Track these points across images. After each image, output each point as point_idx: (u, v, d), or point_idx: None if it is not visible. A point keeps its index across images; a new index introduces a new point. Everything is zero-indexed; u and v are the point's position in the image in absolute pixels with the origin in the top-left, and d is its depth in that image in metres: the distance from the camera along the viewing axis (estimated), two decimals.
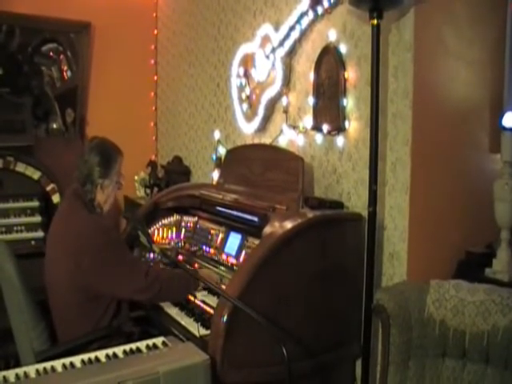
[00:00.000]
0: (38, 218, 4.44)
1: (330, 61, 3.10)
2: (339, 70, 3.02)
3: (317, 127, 3.21)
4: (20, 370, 2.05)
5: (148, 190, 5.14)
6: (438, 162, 2.75)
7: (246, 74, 3.89)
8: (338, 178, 3.12)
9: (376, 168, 2.56)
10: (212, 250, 3.19)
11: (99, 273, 2.51)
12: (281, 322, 2.41)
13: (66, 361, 2.14)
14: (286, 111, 3.50)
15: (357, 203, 2.97)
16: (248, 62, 3.86)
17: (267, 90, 3.61)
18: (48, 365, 2.10)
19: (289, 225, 2.56)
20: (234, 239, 3.06)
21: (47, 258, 2.69)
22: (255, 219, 2.91)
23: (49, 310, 2.65)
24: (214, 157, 4.23)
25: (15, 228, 4.36)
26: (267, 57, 3.59)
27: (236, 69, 4.01)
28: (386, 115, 2.78)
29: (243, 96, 3.94)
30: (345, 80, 3.02)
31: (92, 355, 2.19)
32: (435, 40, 2.72)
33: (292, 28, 3.38)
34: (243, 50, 3.94)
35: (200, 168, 4.85)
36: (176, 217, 3.67)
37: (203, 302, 2.76)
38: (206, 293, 2.84)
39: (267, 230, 2.60)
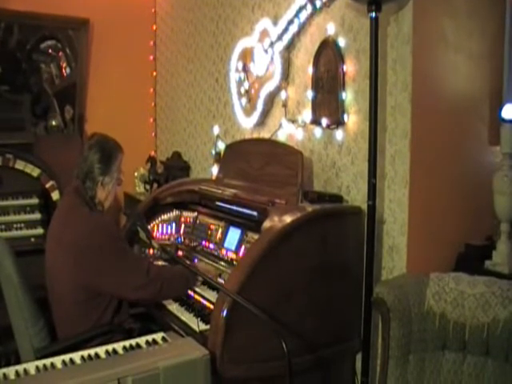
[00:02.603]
0: (37, 216, 4.43)
1: (328, 54, 3.10)
2: (338, 63, 3.01)
3: (316, 121, 3.21)
4: (20, 367, 2.06)
5: (147, 186, 5.14)
6: (437, 155, 2.75)
7: (245, 69, 3.88)
8: (337, 171, 3.11)
9: (375, 161, 2.55)
10: (212, 245, 3.19)
11: (100, 271, 2.50)
12: (280, 317, 2.41)
13: (66, 357, 2.15)
14: (284, 105, 3.49)
15: (356, 197, 2.97)
16: (247, 56, 3.85)
17: (266, 84, 3.61)
18: (48, 361, 2.11)
19: (288, 219, 2.56)
20: (234, 234, 3.05)
21: (47, 255, 2.69)
22: (254, 214, 2.91)
23: (48, 308, 2.65)
24: (214, 152, 4.22)
25: (15, 225, 4.35)
26: (266, 51, 3.58)
27: (235, 63, 4.00)
28: (385, 108, 2.77)
29: (242, 91, 3.93)
30: (343, 73, 3.01)
31: (92, 351, 2.20)
32: (434, 32, 2.71)
33: (290, 22, 3.37)
34: (242, 44, 3.93)
35: (199, 163, 4.84)
36: (175, 212, 3.67)
37: (203, 297, 2.77)
38: (205, 287, 2.84)
39: (266, 224, 2.60)
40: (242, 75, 3.92)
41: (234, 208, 3.11)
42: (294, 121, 3.42)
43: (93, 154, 2.66)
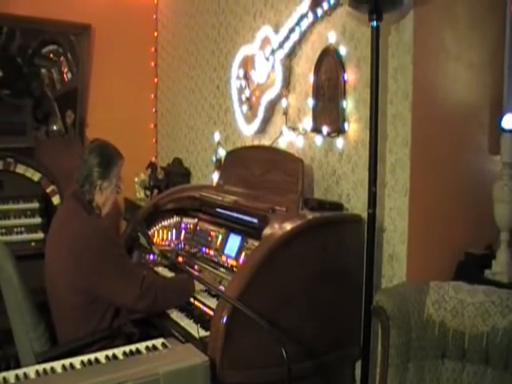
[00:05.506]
0: (37, 220, 4.43)
1: (329, 63, 3.11)
2: (339, 71, 3.03)
3: (316, 129, 3.22)
4: (20, 371, 2.06)
5: (148, 192, 5.14)
6: (437, 164, 2.76)
7: (246, 76, 3.90)
8: (337, 179, 3.12)
9: (375, 170, 2.56)
10: (212, 252, 3.20)
11: (98, 273, 2.50)
12: (280, 324, 2.42)
13: (66, 362, 2.15)
14: (285, 113, 3.51)
15: (356, 205, 2.97)
16: (248, 63, 3.87)
17: (267, 91, 3.62)
18: (48, 366, 2.12)
19: (288, 226, 2.56)
20: (234, 241, 3.06)
21: (47, 259, 2.69)
22: (255, 221, 2.92)
23: (49, 311, 2.65)
24: (214, 158, 4.24)
25: (15, 229, 4.36)
26: (267, 59, 3.60)
27: (236, 71, 4.01)
28: (386, 117, 2.78)
29: (243, 98, 3.94)
30: (344, 82, 3.02)
31: (92, 356, 2.20)
32: (435, 42, 2.73)
33: (292, 30, 3.38)
34: (243, 51, 3.94)
35: (200, 170, 4.85)
36: (176, 218, 3.68)
37: (203, 303, 2.76)
38: (205, 294, 2.84)
39: (267, 231, 2.61)
40: (243, 82, 3.93)
41: (235, 215, 3.12)
42: (294, 128, 3.43)
43: (92, 158, 2.67)
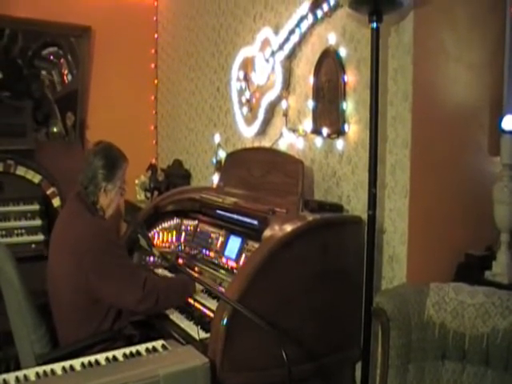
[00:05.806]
0: (38, 222, 4.43)
1: (329, 64, 3.11)
2: (339, 73, 3.03)
3: (316, 130, 3.22)
4: (20, 373, 2.06)
5: (148, 194, 5.14)
6: (437, 165, 2.75)
7: (246, 78, 3.90)
8: (337, 181, 3.12)
9: (375, 171, 2.56)
10: (212, 254, 3.20)
11: (99, 274, 2.50)
12: (281, 325, 2.40)
13: (66, 364, 2.15)
14: (285, 114, 3.51)
15: (356, 206, 2.97)
16: (248, 65, 3.87)
17: (267, 93, 3.62)
18: (48, 368, 2.12)
19: (288, 228, 2.56)
20: (234, 242, 3.06)
21: (50, 260, 2.69)
22: (255, 222, 2.91)
23: (50, 313, 2.65)
24: (214, 160, 4.24)
25: (15, 231, 4.36)
26: (267, 60, 3.60)
27: (236, 72, 4.01)
28: (386, 118, 2.78)
29: (243, 99, 3.94)
30: (344, 83, 3.02)
31: (92, 358, 2.20)
32: (435, 43, 2.73)
33: (292, 32, 3.38)
34: (243, 53, 3.95)
35: (200, 171, 4.85)
36: (176, 220, 3.67)
37: (203, 305, 2.76)
38: (205, 296, 2.84)
39: (267, 233, 2.61)
40: (243, 84, 3.93)
41: (235, 216, 3.11)
42: (294, 130, 3.43)
43: (97, 160, 2.67)
